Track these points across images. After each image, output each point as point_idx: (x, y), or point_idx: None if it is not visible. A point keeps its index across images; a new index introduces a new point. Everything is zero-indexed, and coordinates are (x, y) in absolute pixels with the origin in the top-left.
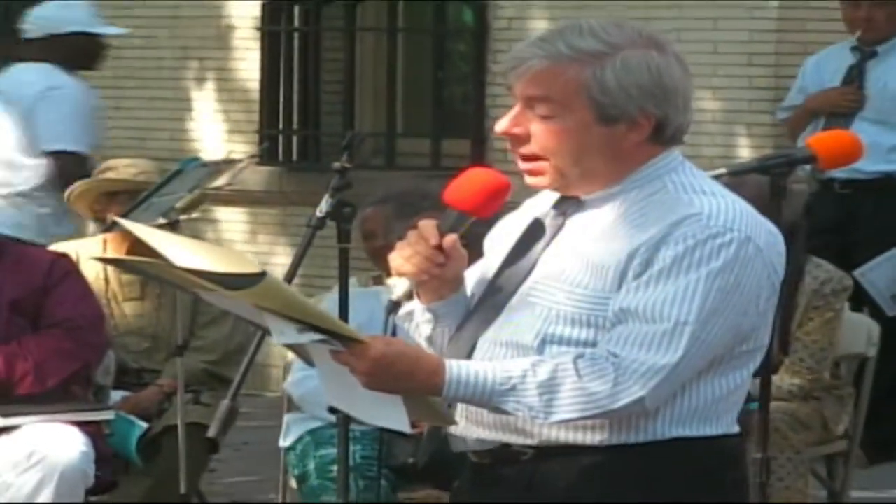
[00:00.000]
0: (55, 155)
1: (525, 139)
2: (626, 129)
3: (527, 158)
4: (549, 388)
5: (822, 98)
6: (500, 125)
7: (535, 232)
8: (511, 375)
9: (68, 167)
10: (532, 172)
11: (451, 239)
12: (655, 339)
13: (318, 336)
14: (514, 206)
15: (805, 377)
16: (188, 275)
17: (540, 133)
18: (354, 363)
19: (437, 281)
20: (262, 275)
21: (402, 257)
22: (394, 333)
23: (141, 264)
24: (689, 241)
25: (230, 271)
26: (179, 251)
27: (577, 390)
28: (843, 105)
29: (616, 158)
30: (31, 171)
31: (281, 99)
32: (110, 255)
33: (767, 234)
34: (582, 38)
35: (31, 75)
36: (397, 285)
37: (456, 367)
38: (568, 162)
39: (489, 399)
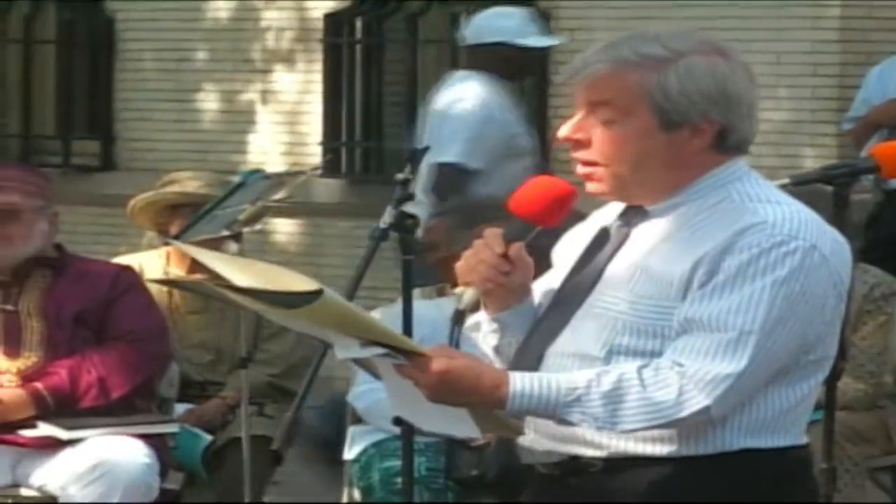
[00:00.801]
0: (441, 166)
1: (586, 144)
2: (688, 135)
3: (586, 164)
4: (615, 398)
5: (885, 110)
6: (563, 130)
7: (600, 242)
8: (576, 386)
9: (448, 178)
10: (590, 178)
11: (516, 247)
12: (720, 348)
13: (381, 350)
14: (581, 216)
15: (868, 382)
16: (245, 295)
17: (601, 138)
18: (418, 376)
19: (503, 290)
20: (319, 292)
21: (467, 266)
22: (457, 344)
23: (200, 285)
24: (753, 249)
25: (287, 290)
26: (237, 271)
27: (642, 400)
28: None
29: (677, 166)
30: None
31: (343, 111)
32: (173, 267)
33: (833, 243)
34: (647, 43)
35: (454, 83)
36: (464, 295)
37: (520, 380)
38: (627, 168)
39: (554, 411)
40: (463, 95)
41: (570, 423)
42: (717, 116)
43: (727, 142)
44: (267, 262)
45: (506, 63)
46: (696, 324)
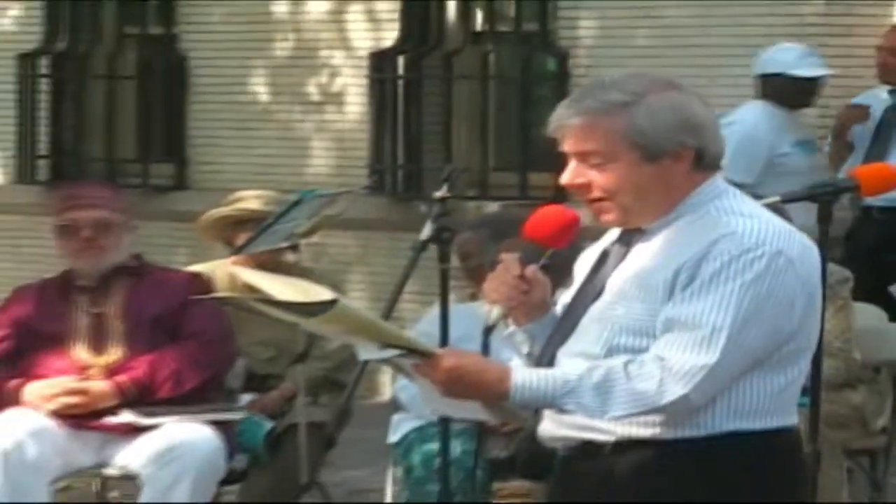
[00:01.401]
0: None
1: (587, 187)
2: (671, 162)
3: (593, 201)
4: (603, 389)
5: (846, 114)
6: (564, 179)
7: (603, 260)
8: (569, 379)
9: None
10: (600, 211)
11: (531, 269)
12: (696, 343)
13: (396, 352)
14: (597, 233)
15: (839, 357)
16: (275, 307)
17: (599, 180)
18: (430, 374)
19: (525, 306)
20: (333, 302)
21: (491, 287)
22: (486, 350)
23: (240, 301)
24: (724, 256)
25: (305, 300)
26: (272, 285)
27: (627, 391)
28: (853, 118)
29: (669, 189)
30: None
31: (387, 137)
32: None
33: (801, 248)
34: (607, 91)
35: (739, 109)
36: (492, 312)
37: (521, 375)
38: (630, 199)
39: (552, 401)
40: (737, 119)
41: (566, 412)
42: (690, 141)
43: (704, 161)
44: (293, 278)
45: (783, 92)
46: (676, 323)
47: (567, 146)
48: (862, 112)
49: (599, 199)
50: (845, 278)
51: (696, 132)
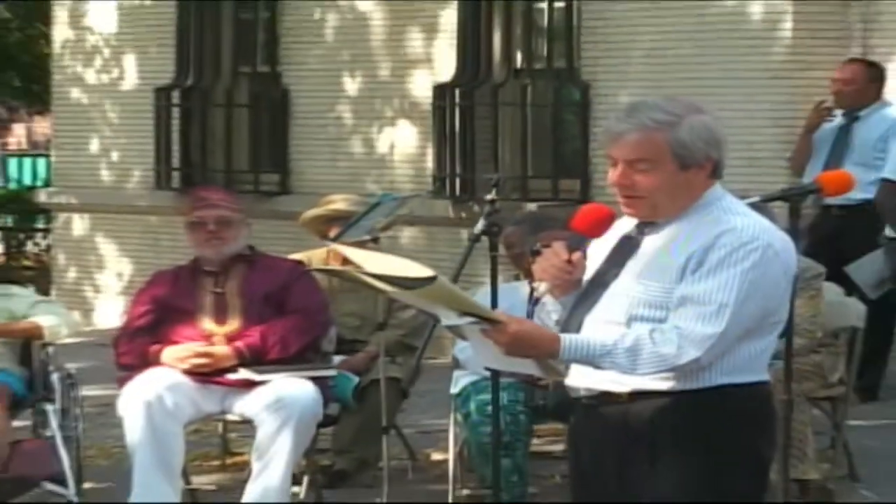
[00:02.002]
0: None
1: (632, 187)
2: (697, 170)
3: (629, 197)
4: (633, 352)
5: (810, 117)
6: (611, 178)
7: (623, 245)
8: (606, 343)
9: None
10: (631, 206)
11: (577, 255)
12: (706, 316)
13: (472, 319)
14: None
15: (805, 336)
16: (379, 280)
17: (643, 181)
18: (497, 337)
19: (566, 283)
20: (433, 278)
21: (541, 268)
22: (531, 316)
23: (346, 273)
24: (727, 247)
25: (411, 276)
26: (375, 263)
27: (652, 353)
28: (817, 116)
29: (691, 192)
30: None
31: (447, 152)
32: (332, 262)
33: (782, 242)
34: (655, 112)
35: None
36: (540, 287)
37: (569, 339)
38: (665, 199)
39: (592, 360)
40: None
41: (602, 368)
42: (714, 154)
43: (717, 171)
44: (397, 257)
45: None
46: (689, 299)
47: (618, 153)
48: (826, 111)
49: (634, 197)
50: (819, 273)
51: (718, 147)
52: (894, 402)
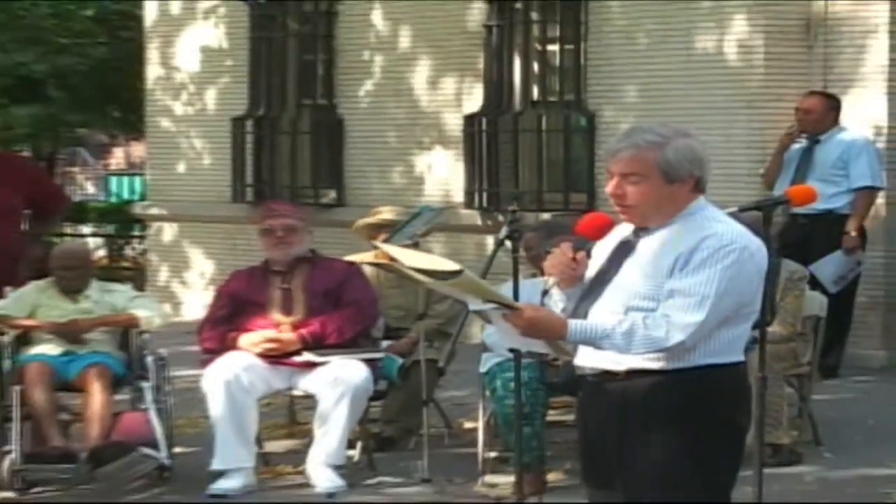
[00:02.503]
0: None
1: (623, 197)
2: (681, 185)
3: (623, 206)
4: (628, 335)
5: (781, 139)
6: (608, 189)
7: (621, 247)
8: (605, 328)
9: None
10: (626, 213)
11: (581, 254)
12: (690, 306)
13: (494, 305)
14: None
15: (786, 327)
16: (418, 273)
17: (633, 193)
18: (516, 321)
19: (572, 278)
20: (460, 271)
21: (551, 265)
22: (542, 304)
23: (393, 267)
24: (709, 249)
25: (443, 269)
26: (414, 260)
27: (644, 336)
28: (787, 139)
29: (676, 203)
30: None
31: (476, 171)
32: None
33: (756, 245)
34: (647, 134)
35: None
36: (549, 281)
37: (574, 323)
38: (652, 208)
39: (593, 341)
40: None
41: (602, 349)
42: (696, 172)
43: (699, 186)
44: (433, 255)
45: None
46: (677, 292)
47: (614, 168)
48: (792, 135)
49: (628, 206)
50: (804, 276)
51: (700, 166)
52: (852, 378)
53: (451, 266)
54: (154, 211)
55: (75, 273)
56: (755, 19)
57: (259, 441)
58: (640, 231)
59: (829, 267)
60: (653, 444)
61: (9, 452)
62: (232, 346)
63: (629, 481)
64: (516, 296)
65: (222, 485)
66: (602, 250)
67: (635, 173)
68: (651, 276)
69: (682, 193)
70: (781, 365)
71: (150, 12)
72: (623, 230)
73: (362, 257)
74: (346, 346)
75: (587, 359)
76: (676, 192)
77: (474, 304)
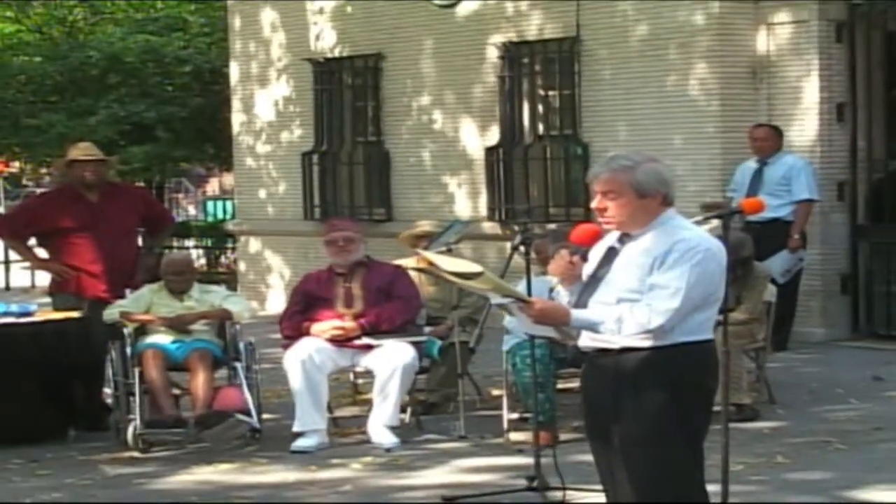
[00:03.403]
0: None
1: (604, 210)
2: (651, 200)
3: (606, 219)
4: (619, 321)
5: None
6: (592, 204)
7: (610, 252)
8: (601, 316)
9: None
10: (609, 223)
11: (576, 258)
12: (667, 296)
13: (510, 299)
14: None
15: (747, 313)
16: (451, 275)
17: (612, 206)
18: (528, 311)
19: (572, 278)
20: (482, 273)
21: (553, 268)
22: (549, 298)
23: (431, 270)
24: (680, 251)
25: (468, 271)
26: (447, 263)
27: (631, 321)
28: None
29: (648, 214)
30: None
31: (495, 190)
32: (421, 264)
33: (718, 246)
34: (621, 160)
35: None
36: (553, 280)
37: (576, 312)
38: (628, 218)
39: (591, 327)
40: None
41: (599, 332)
42: (662, 189)
43: (667, 200)
44: (461, 259)
45: None
46: (656, 286)
47: (597, 187)
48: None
49: (610, 217)
50: (767, 275)
51: (665, 185)
52: (798, 351)
53: (475, 268)
54: (242, 227)
55: (182, 278)
56: (713, 66)
57: (330, 408)
58: (625, 237)
59: (777, 263)
60: (641, 404)
61: (133, 420)
62: (306, 333)
63: (623, 434)
64: (529, 291)
65: (301, 443)
66: (596, 254)
67: (612, 191)
68: (635, 273)
69: (653, 206)
70: (741, 341)
71: (234, 70)
72: (611, 238)
73: (407, 262)
74: (396, 331)
75: (587, 340)
76: (647, 205)
77: (495, 299)
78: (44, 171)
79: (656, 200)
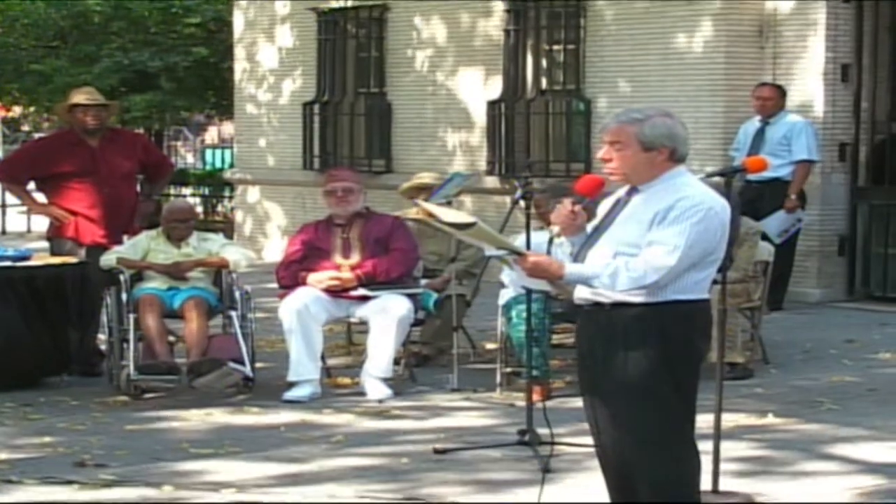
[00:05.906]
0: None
1: (610, 160)
2: (656, 154)
3: (611, 170)
4: (614, 276)
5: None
6: (600, 154)
7: (616, 205)
8: (596, 270)
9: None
10: (613, 174)
11: (578, 208)
12: (664, 253)
13: (504, 252)
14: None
15: (740, 272)
16: (448, 226)
17: (618, 157)
18: (522, 264)
19: (573, 228)
20: (475, 223)
21: (555, 217)
22: (549, 252)
23: (430, 221)
24: (682, 208)
25: (462, 221)
26: (445, 215)
27: (626, 276)
28: None
29: (653, 168)
30: None
31: (497, 145)
32: (420, 215)
33: (721, 205)
34: (632, 113)
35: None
36: (554, 229)
37: (569, 267)
38: (631, 170)
39: (586, 280)
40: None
41: (594, 287)
42: (668, 144)
43: (675, 156)
44: (457, 211)
45: None
46: (654, 242)
47: (606, 137)
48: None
49: (614, 168)
50: (757, 230)
51: (672, 140)
52: (793, 311)
53: (469, 219)
54: (241, 176)
55: (185, 225)
56: (718, 25)
57: (323, 358)
58: (632, 191)
59: (774, 223)
60: (631, 358)
61: (126, 366)
62: (302, 282)
63: (614, 389)
64: (528, 244)
65: (294, 393)
66: (604, 207)
67: (619, 142)
68: (635, 227)
69: (658, 161)
70: (737, 300)
71: (238, 20)
72: (621, 191)
73: (406, 213)
74: (392, 283)
75: (582, 294)
76: (653, 159)
77: (489, 251)
78: (45, 116)
79: (662, 155)
